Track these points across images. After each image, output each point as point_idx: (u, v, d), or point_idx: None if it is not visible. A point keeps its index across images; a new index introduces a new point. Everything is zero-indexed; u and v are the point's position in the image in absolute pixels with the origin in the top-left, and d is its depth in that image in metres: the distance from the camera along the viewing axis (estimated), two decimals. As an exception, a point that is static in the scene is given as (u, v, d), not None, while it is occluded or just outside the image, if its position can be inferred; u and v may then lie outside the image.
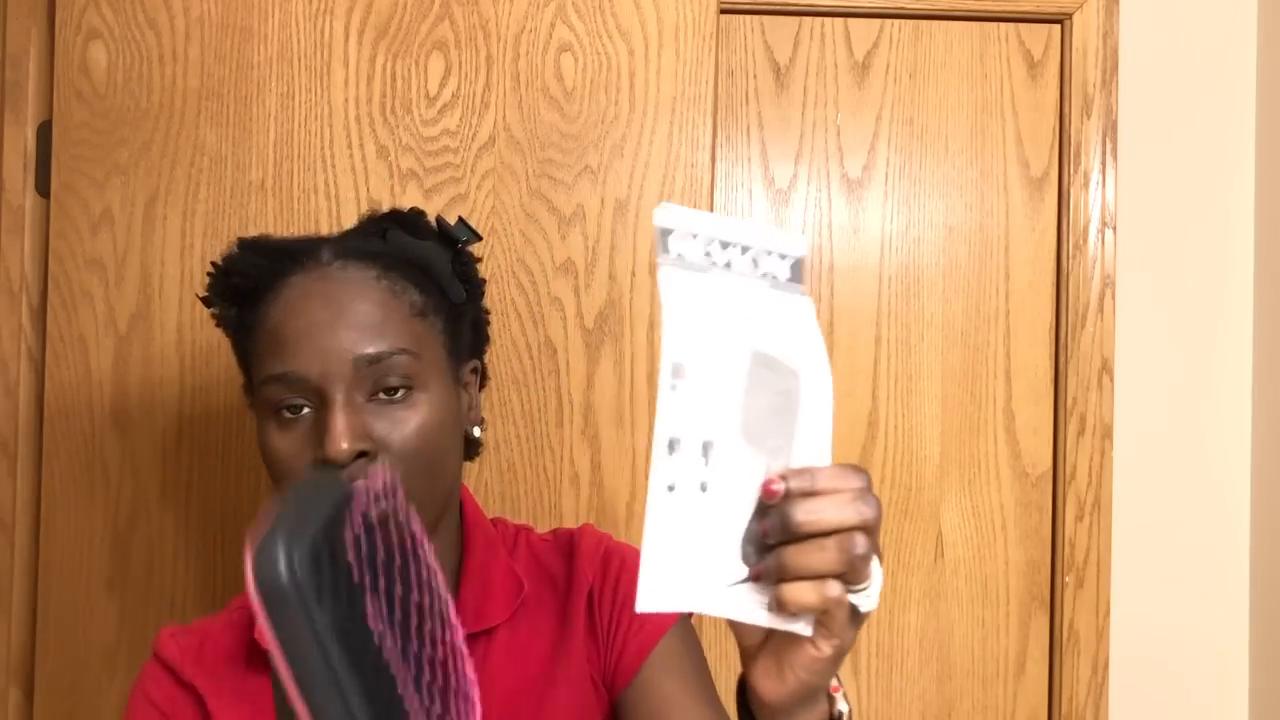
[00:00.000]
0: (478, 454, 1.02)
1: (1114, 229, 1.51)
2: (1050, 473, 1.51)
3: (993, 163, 1.52)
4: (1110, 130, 1.51)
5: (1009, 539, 1.51)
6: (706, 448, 0.63)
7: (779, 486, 0.62)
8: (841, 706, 0.70)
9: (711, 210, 1.43)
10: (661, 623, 0.95)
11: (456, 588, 0.96)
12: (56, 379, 1.38)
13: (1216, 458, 1.55)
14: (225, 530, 1.39)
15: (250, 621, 0.94)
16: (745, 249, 0.66)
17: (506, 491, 1.40)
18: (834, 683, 0.70)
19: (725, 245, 0.65)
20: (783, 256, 0.67)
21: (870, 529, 0.62)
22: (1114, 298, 1.50)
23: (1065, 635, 1.49)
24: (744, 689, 0.71)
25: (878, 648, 1.50)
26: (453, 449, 0.92)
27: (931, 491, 1.50)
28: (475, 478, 1.39)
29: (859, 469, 0.64)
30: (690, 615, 1.00)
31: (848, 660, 1.49)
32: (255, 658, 0.93)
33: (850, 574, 0.62)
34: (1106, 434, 1.50)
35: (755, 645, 0.68)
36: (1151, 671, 1.53)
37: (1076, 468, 1.49)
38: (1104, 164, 1.50)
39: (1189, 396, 1.55)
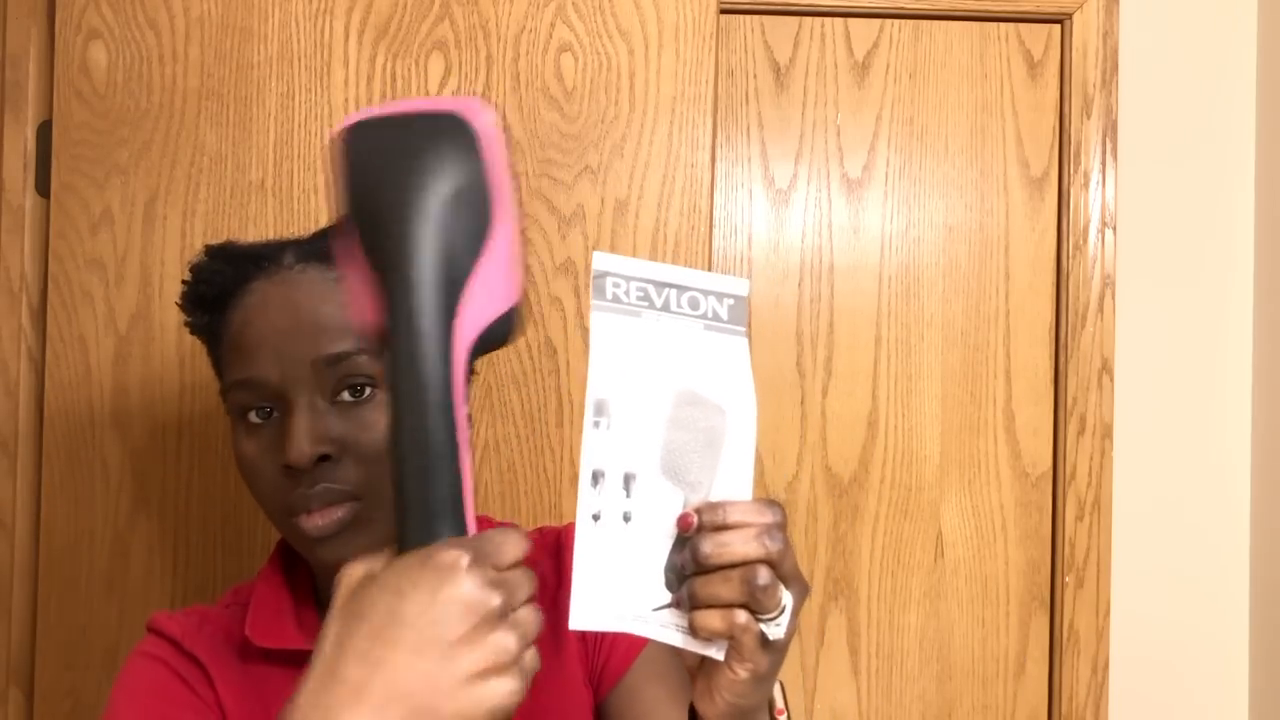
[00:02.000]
0: None
1: (1114, 229, 1.51)
2: (1050, 473, 1.51)
3: (993, 163, 1.52)
4: (1110, 130, 1.51)
5: (1009, 539, 1.51)
6: (628, 481, 0.67)
7: (692, 520, 0.67)
8: None
9: (711, 209, 1.43)
10: None
11: None
12: (56, 379, 1.38)
13: (1216, 458, 1.55)
14: (225, 530, 1.39)
15: (246, 613, 0.93)
16: (684, 290, 0.70)
17: (506, 491, 1.40)
18: (779, 704, 0.74)
19: (661, 288, 0.69)
20: (722, 297, 0.70)
21: (775, 562, 0.66)
22: (1114, 298, 1.50)
23: (1065, 635, 1.49)
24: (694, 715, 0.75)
25: (878, 648, 1.50)
26: None
27: (931, 491, 1.50)
28: (475, 477, 1.39)
29: (773, 504, 0.68)
30: None
31: (847, 660, 1.49)
32: (252, 650, 0.93)
33: (754, 604, 0.66)
34: (1106, 434, 1.50)
35: (694, 667, 0.72)
36: (1151, 671, 1.53)
37: (1076, 468, 1.49)
38: (1104, 164, 1.50)
39: (1189, 396, 1.55)
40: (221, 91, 1.40)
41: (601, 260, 0.69)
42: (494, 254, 0.66)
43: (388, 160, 0.66)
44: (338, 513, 0.85)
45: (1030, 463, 1.51)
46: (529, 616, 0.63)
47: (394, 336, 0.65)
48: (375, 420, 0.87)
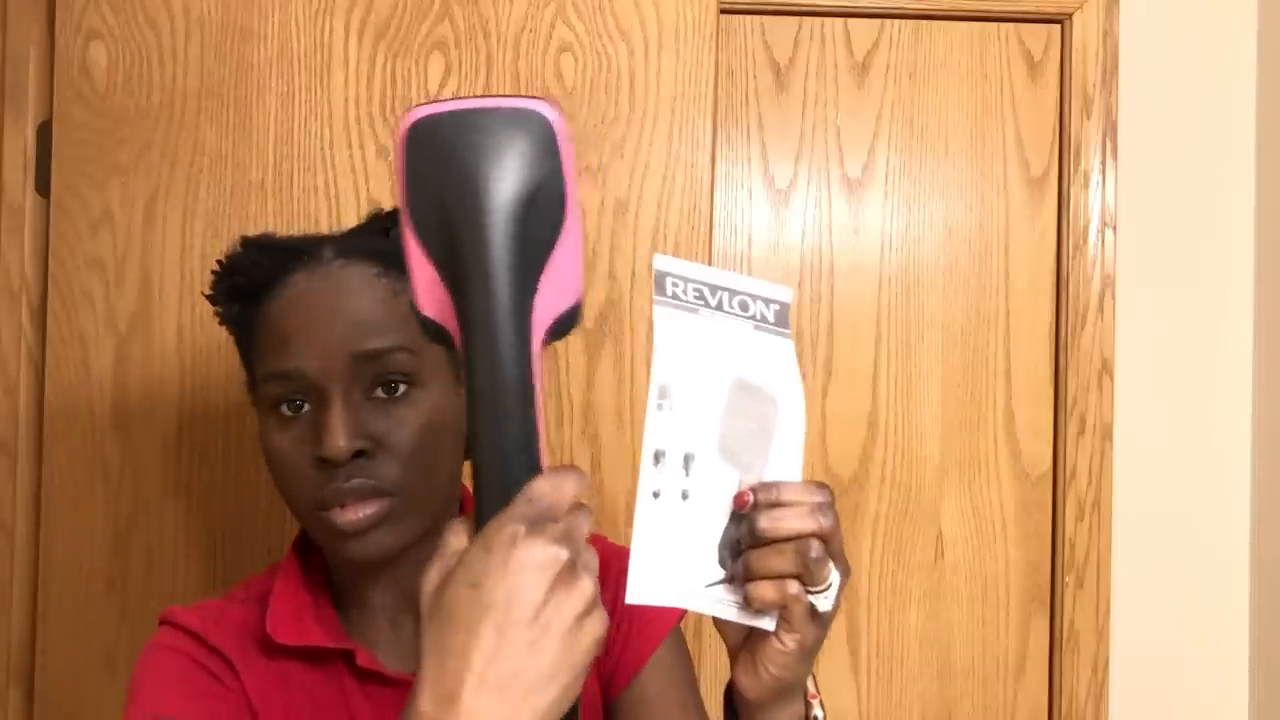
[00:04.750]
0: None
1: (1114, 229, 1.51)
2: (1050, 473, 1.51)
3: (993, 163, 1.52)
4: (1110, 130, 1.51)
5: (1009, 539, 1.51)
6: (688, 461, 0.71)
7: (749, 498, 0.71)
8: (817, 713, 0.78)
9: (711, 209, 1.43)
10: (658, 631, 0.96)
11: None
12: (56, 379, 1.38)
13: (1216, 458, 1.55)
14: (226, 530, 1.39)
15: (263, 608, 0.93)
16: (734, 293, 0.75)
17: (506, 491, 1.40)
18: (811, 689, 0.77)
19: (716, 290, 0.74)
20: (769, 302, 0.75)
21: (826, 537, 0.70)
22: (1114, 298, 1.50)
23: (1065, 635, 1.49)
24: (730, 694, 0.78)
25: (878, 648, 1.50)
26: (452, 449, 0.92)
27: (931, 491, 1.50)
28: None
29: (822, 485, 0.72)
30: (680, 624, 1.01)
31: (848, 660, 1.49)
32: (274, 645, 0.92)
33: (807, 576, 0.70)
34: (1106, 434, 1.50)
35: (737, 645, 0.75)
36: (1152, 671, 1.53)
37: (1076, 468, 1.49)
38: (1104, 164, 1.50)
39: (1189, 396, 1.55)
40: (221, 91, 1.40)
41: (662, 262, 0.73)
42: (564, 250, 0.68)
43: (469, 156, 0.66)
44: (370, 508, 0.85)
45: (1030, 463, 1.51)
46: (592, 556, 0.66)
47: (471, 335, 0.66)
48: (409, 417, 0.87)
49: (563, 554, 0.63)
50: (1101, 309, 1.50)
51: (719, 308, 0.74)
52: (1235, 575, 1.54)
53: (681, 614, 0.98)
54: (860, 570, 1.50)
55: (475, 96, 0.69)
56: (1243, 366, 1.55)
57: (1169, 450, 1.54)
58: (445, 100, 0.68)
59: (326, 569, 0.97)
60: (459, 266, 0.66)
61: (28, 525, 1.40)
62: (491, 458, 0.65)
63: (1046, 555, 1.51)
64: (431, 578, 0.65)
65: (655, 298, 0.72)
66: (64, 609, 1.38)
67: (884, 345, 1.50)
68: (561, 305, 0.68)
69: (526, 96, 0.68)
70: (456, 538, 0.66)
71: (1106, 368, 1.50)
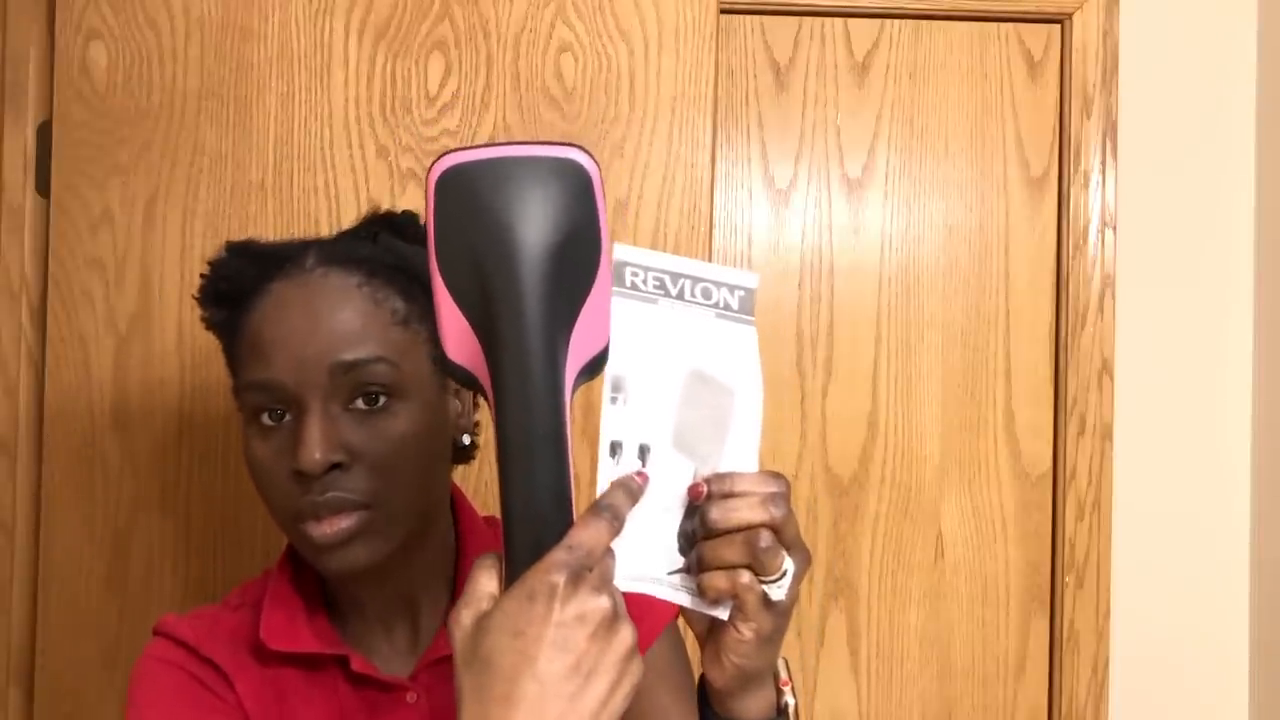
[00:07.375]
0: (471, 458, 1.01)
1: (1114, 229, 1.51)
2: (1050, 473, 1.51)
3: (993, 163, 1.52)
4: (1110, 130, 1.51)
5: (1009, 539, 1.51)
6: (643, 452, 0.72)
7: (703, 489, 0.72)
8: (788, 700, 0.78)
9: (711, 209, 1.43)
10: (653, 628, 0.96)
11: (453, 591, 0.95)
12: (56, 379, 1.38)
13: (1216, 458, 1.55)
14: (225, 531, 1.39)
15: (257, 614, 0.93)
16: (697, 281, 0.74)
17: (506, 491, 1.40)
18: (783, 677, 0.78)
19: (677, 278, 0.74)
20: (733, 289, 0.75)
21: (778, 527, 0.70)
22: (1114, 298, 1.50)
23: (1065, 635, 1.49)
24: (703, 684, 0.79)
25: (878, 648, 1.50)
26: (436, 459, 0.91)
27: (931, 491, 1.50)
28: (475, 477, 1.39)
29: (777, 475, 0.72)
30: (676, 622, 1.01)
31: (847, 660, 1.49)
32: (267, 652, 0.92)
33: (758, 565, 0.70)
34: (1106, 434, 1.50)
35: (703, 635, 0.76)
36: (1152, 671, 1.53)
37: (1076, 468, 1.49)
38: (1104, 164, 1.50)
39: (1189, 396, 1.55)
40: (221, 91, 1.40)
41: (621, 251, 0.73)
42: (596, 296, 0.68)
43: (503, 205, 0.66)
44: (346, 521, 0.84)
45: (1030, 463, 1.51)
46: (621, 598, 0.67)
47: (503, 383, 0.66)
48: (388, 429, 0.86)
49: (604, 603, 0.64)
50: (1101, 309, 1.50)
51: (680, 296, 0.74)
52: (1235, 575, 1.54)
53: (676, 612, 0.98)
54: (860, 570, 1.50)
55: (505, 144, 0.69)
56: (1243, 366, 1.55)
57: (1169, 450, 1.54)
58: (476, 147, 0.67)
59: (318, 574, 0.96)
60: (491, 316, 0.66)
61: (28, 525, 1.40)
62: (524, 504, 0.66)
63: (1046, 555, 1.51)
64: (464, 620, 0.65)
65: (613, 289, 0.72)
66: (64, 609, 1.38)
67: (884, 345, 1.50)
68: (592, 350, 0.69)
69: (560, 144, 0.68)
70: (487, 578, 0.66)
71: (1106, 368, 1.50)
